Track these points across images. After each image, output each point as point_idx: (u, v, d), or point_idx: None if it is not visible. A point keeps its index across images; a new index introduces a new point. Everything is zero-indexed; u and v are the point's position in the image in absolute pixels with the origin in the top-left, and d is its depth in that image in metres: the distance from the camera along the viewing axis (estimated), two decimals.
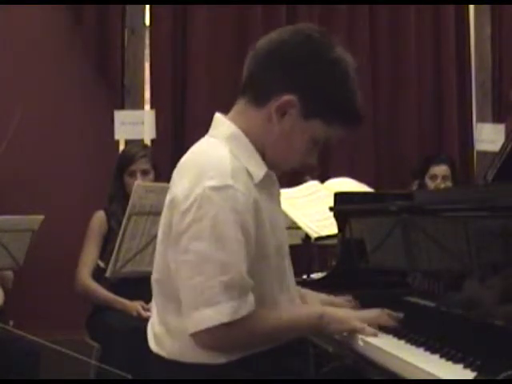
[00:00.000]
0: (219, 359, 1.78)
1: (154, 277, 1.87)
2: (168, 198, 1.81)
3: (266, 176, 1.84)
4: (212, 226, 1.70)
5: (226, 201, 1.71)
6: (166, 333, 1.83)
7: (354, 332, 1.89)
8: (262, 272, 1.80)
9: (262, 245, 1.79)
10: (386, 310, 1.98)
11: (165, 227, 1.80)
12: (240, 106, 1.88)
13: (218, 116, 1.90)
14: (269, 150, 1.85)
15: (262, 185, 1.82)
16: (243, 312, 1.72)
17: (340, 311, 1.96)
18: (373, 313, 1.96)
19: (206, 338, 1.72)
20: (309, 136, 1.84)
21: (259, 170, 1.82)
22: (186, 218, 1.72)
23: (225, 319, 1.70)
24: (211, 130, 1.90)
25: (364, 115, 1.90)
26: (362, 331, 1.88)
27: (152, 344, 1.88)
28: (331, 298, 2.16)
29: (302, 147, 1.86)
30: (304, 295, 2.11)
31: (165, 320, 1.83)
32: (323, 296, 2.16)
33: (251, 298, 1.74)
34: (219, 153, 1.79)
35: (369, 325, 1.89)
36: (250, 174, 1.80)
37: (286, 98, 1.79)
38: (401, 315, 1.96)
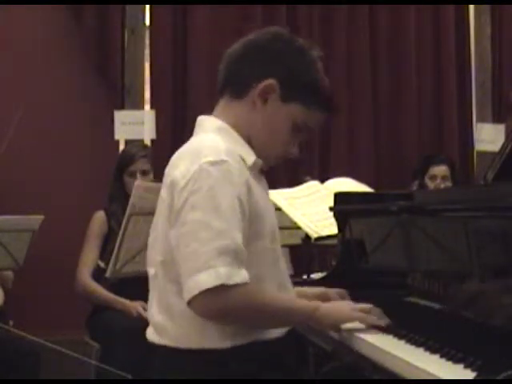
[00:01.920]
0: (224, 343, 1.80)
1: (157, 260, 1.87)
2: (167, 183, 1.85)
3: (256, 163, 1.90)
4: (208, 197, 1.75)
5: (223, 173, 1.77)
6: (169, 319, 1.84)
7: (351, 321, 1.91)
8: (258, 252, 1.83)
9: (257, 222, 1.83)
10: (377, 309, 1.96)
11: (166, 210, 1.83)
12: (222, 103, 1.96)
13: (200, 117, 1.98)
14: (254, 139, 1.92)
15: (253, 171, 1.89)
16: (237, 279, 1.73)
17: (333, 307, 1.96)
18: (366, 307, 1.96)
19: (202, 302, 1.73)
20: (290, 121, 1.92)
21: (250, 155, 1.90)
22: (183, 194, 1.77)
23: (218, 281, 1.71)
24: (196, 130, 1.97)
25: (337, 101, 1.99)
26: (362, 320, 1.90)
27: (153, 336, 1.89)
28: (323, 289, 2.15)
29: (285, 133, 1.93)
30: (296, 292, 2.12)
31: (167, 305, 1.84)
32: (316, 289, 2.16)
33: (245, 272, 1.75)
34: (212, 138, 1.87)
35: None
36: (242, 158, 1.87)
37: (267, 82, 1.89)
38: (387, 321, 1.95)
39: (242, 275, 1.75)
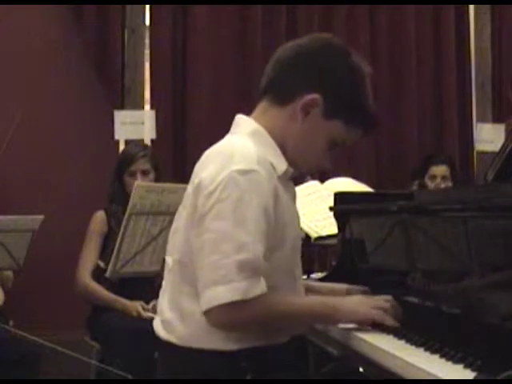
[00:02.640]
0: (231, 345, 1.80)
1: (174, 258, 1.88)
2: (194, 182, 1.85)
3: (287, 171, 1.89)
4: (235, 207, 1.74)
5: (251, 184, 1.76)
6: (179, 317, 1.84)
7: (368, 320, 1.90)
8: (277, 261, 1.83)
9: (281, 231, 1.83)
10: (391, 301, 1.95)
11: (190, 209, 1.83)
12: (262, 106, 1.94)
13: (239, 116, 1.97)
14: (290, 149, 1.91)
15: (283, 179, 1.88)
16: (256, 292, 1.74)
17: (352, 301, 1.95)
18: (380, 300, 1.95)
19: (218, 315, 1.74)
20: (328, 137, 1.91)
21: (281, 164, 1.88)
22: (210, 200, 1.76)
23: (236, 297, 1.72)
24: (233, 129, 1.96)
25: (379, 121, 1.97)
26: (380, 319, 1.89)
27: (161, 331, 1.89)
28: (348, 286, 2.17)
29: (322, 148, 1.92)
30: (313, 287, 2.14)
31: (178, 304, 1.85)
32: (341, 285, 2.18)
33: (263, 281, 1.76)
34: (244, 143, 1.85)
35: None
36: (272, 166, 1.85)
37: (312, 96, 1.87)
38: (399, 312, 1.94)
39: (260, 287, 1.75)
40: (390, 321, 1.89)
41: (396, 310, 1.93)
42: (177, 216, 1.93)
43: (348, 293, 2.12)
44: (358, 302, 1.94)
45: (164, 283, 1.94)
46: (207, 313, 1.75)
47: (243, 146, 1.84)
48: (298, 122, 1.88)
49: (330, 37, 1.98)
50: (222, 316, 1.75)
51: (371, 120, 1.97)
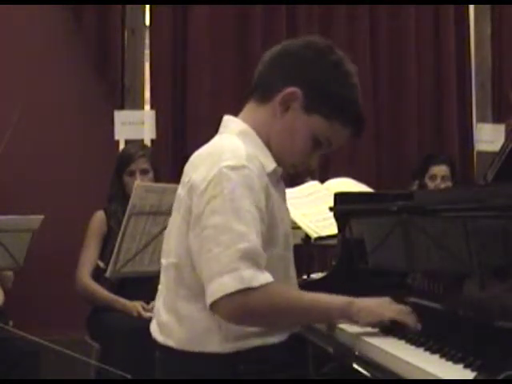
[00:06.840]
0: (228, 347, 1.79)
1: (169, 261, 1.87)
2: (186, 184, 1.84)
3: (276, 171, 1.89)
4: (229, 200, 1.73)
5: (242, 179, 1.76)
6: (175, 320, 1.84)
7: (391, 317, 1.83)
8: (271, 259, 1.82)
9: (272, 229, 1.82)
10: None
11: (184, 212, 1.82)
12: (249, 106, 1.95)
13: (226, 117, 1.97)
14: (274, 146, 1.90)
15: (272, 178, 1.88)
16: (261, 280, 1.71)
17: (372, 301, 1.88)
18: (403, 308, 1.89)
19: (225, 305, 1.71)
20: (310, 132, 1.88)
21: (270, 163, 1.88)
22: (203, 198, 1.76)
23: (242, 285, 1.69)
24: (221, 129, 1.96)
25: (365, 122, 1.94)
26: (402, 319, 1.83)
27: (158, 335, 1.89)
28: None
29: (304, 143, 1.90)
30: None
31: (174, 307, 1.84)
32: None
33: (267, 273, 1.74)
34: (233, 141, 1.86)
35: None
36: (262, 164, 1.85)
37: (290, 89, 1.86)
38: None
39: (265, 276, 1.73)
40: (413, 321, 1.83)
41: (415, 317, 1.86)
42: (171, 219, 1.92)
43: None
44: (378, 301, 1.88)
45: (160, 286, 1.93)
46: (214, 305, 1.72)
47: (232, 144, 1.84)
48: (278, 117, 1.88)
49: (316, 38, 1.96)
50: (229, 306, 1.71)
51: (355, 118, 1.91)
